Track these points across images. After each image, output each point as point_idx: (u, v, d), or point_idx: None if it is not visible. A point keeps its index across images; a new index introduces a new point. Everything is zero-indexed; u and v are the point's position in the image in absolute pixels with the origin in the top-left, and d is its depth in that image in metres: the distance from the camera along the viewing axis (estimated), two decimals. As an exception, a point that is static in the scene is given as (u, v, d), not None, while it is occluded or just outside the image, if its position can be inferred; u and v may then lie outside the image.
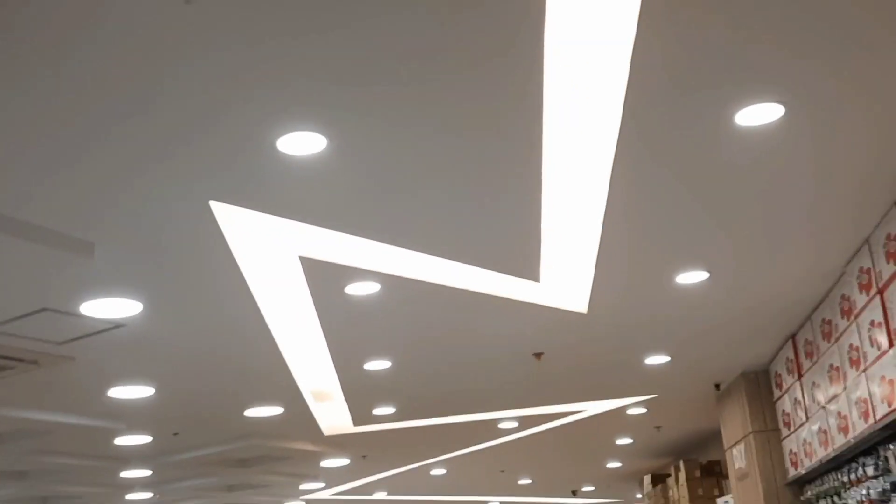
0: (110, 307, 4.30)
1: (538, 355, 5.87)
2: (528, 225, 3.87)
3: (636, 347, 6.01)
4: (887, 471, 4.92)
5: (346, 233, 3.77)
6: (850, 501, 5.52)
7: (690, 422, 8.97)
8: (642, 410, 8.19)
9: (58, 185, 3.18)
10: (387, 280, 4.35)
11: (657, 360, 6.35)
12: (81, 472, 8.25)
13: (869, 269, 4.50)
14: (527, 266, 4.35)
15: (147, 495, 10.16)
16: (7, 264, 3.74)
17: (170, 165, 3.14)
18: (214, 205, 3.43)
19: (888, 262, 4.24)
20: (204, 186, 3.30)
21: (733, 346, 6.27)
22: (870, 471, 5.15)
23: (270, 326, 4.80)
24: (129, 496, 10.09)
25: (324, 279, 4.27)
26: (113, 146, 2.98)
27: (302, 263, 4.08)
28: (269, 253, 3.98)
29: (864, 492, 5.22)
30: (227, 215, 3.53)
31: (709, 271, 4.64)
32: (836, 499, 5.89)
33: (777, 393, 6.70)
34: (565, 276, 4.66)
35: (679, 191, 3.72)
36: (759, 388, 6.91)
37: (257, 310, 4.53)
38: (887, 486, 4.93)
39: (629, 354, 6.16)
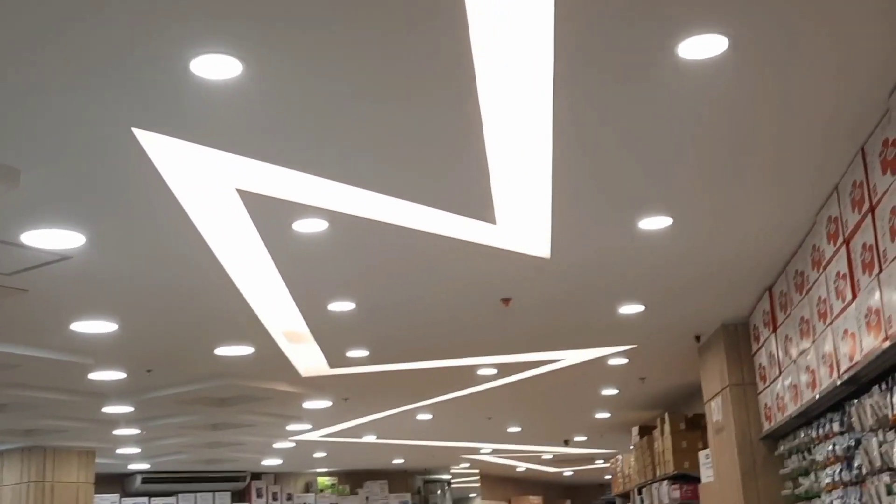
0: (52, 238, 4.21)
1: (506, 301, 5.75)
2: (472, 161, 3.72)
3: (607, 296, 5.88)
4: (851, 427, 4.81)
5: (276, 164, 3.64)
6: (818, 457, 5.42)
7: (674, 374, 8.87)
8: (623, 361, 8.10)
9: (-27, 106, 3.07)
10: (334, 218, 4.22)
11: (631, 309, 6.22)
12: (60, 405, 8.25)
13: (836, 219, 4.34)
14: (479, 206, 4.21)
15: (134, 431, 10.19)
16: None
17: (88, 90, 3.01)
18: (138, 132, 3.30)
19: (853, 211, 4.08)
20: (124, 112, 3.17)
21: (711, 297, 6.14)
22: (836, 427, 5.04)
23: (222, 262, 4.70)
24: (116, 431, 10.12)
25: (268, 215, 4.15)
26: (31, 70, 2.85)
27: (241, 197, 3.95)
28: (207, 186, 3.86)
29: (829, 448, 5.11)
30: (153, 143, 3.40)
31: (672, 217, 4.49)
32: (806, 454, 5.80)
33: (755, 346, 6.58)
34: (523, 220, 4.51)
35: (626, 131, 3.56)
36: (738, 340, 6.78)
37: (205, 245, 4.42)
38: (852, 442, 4.82)
39: (600, 303, 6.03)
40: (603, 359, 7.97)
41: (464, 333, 6.62)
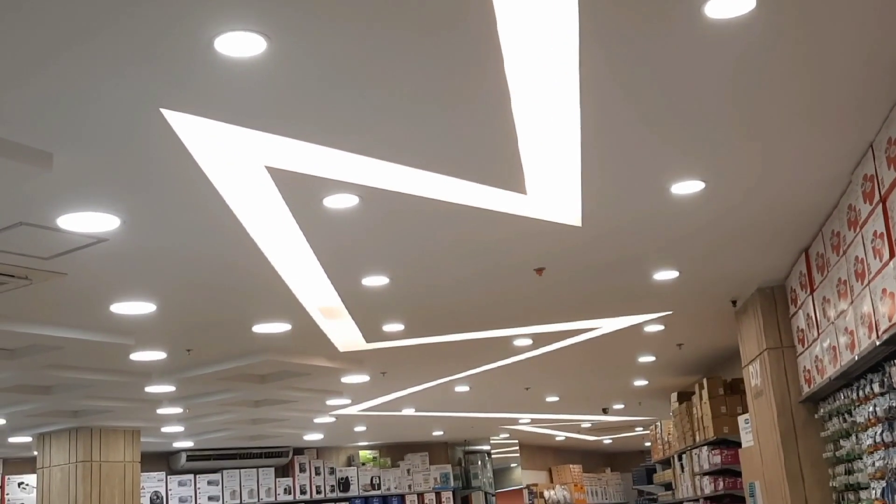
0: (87, 221, 4.26)
1: (539, 270, 5.75)
2: (500, 130, 3.71)
3: (640, 262, 5.86)
4: (892, 388, 4.76)
5: (304, 140, 3.66)
6: (858, 419, 5.38)
7: (712, 339, 8.83)
8: (660, 328, 8.07)
9: (10, 94, 3.10)
10: (365, 192, 4.23)
11: (665, 275, 6.19)
12: (104, 386, 8.38)
13: (872, 177, 4.28)
14: (509, 176, 4.20)
15: (177, 409, 10.34)
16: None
17: (117, 72, 3.03)
18: (166, 112, 3.33)
19: (889, 168, 4.02)
20: (152, 93, 3.19)
21: (746, 261, 6.09)
22: (876, 388, 4.99)
23: (256, 241, 4.74)
24: (160, 410, 10.28)
25: (298, 192, 4.17)
26: (61, 55, 2.88)
27: (271, 175, 3.97)
28: (237, 164, 3.88)
29: (870, 409, 5.07)
30: (182, 123, 3.43)
31: (704, 180, 4.45)
32: (847, 416, 5.76)
33: (792, 309, 6.52)
34: (553, 189, 4.50)
35: (655, 95, 3.53)
36: (775, 303, 6.73)
37: (238, 223, 4.46)
38: (893, 402, 4.78)
39: (634, 270, 6.01)
40: (639, 326, 7.95)
41: (498, 304, 6.63)
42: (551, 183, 4.43)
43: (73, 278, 5.11)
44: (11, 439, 11.48)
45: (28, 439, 11.37)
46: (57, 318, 6.02)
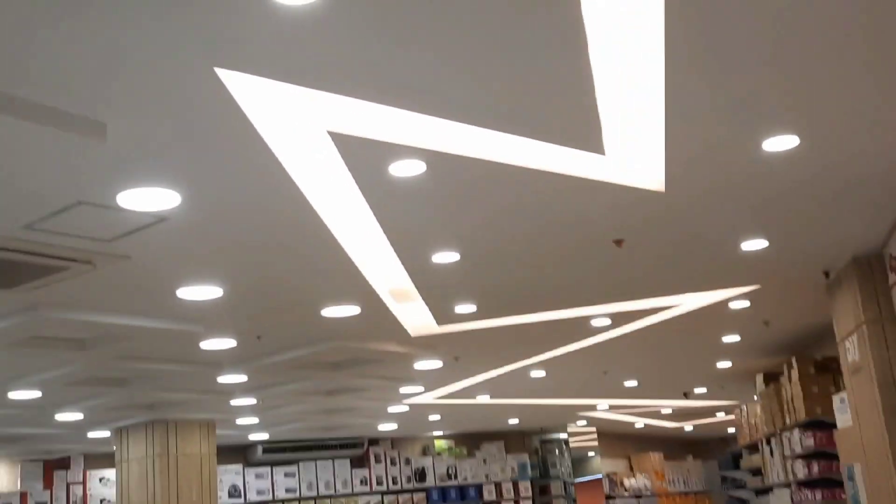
0: (147, 198, 4.09)
1: (618, 242, 5.44)
2: (576, 84, 3.43)
3: (728, 231, 5.51)
4: None
5: (367, 100, 3.42)
6: (971, 392, 4.97)
7: (801, 315, 8.40)
8: (746, 304, 7.68)
9: (58, 61, 2.93)
10: (432, 158, 3.99)
11: (754, 245, 5.82)
12: (176, 377, 8.32)
13: None
14: (585, 134, 3.91)
15: (250, 400, 10.27)
16: (30, 157, 3.54)
17: (167, 30, 2.83)
18: (221, 72, 3.12)
19: None
20: (205, 51, 2.99)
21: (841, 228, 5.70)
22: None
23: (320, 215, 4.53)
24: (233, 401, 10.22)
25: (362, 158, 3.94)
26: (108, 14, 2.69)
27: (334, 140, 3.75)
28: (298, 129, 3.67)
29: None
30: (238, 85, 3.22)
31: (798, 135, 4.10)
32: (957, 390, 5.34)
33: (892, 278, 6.10)
34: (634, 148, 4.20)
35: (745, 37, 3.20)
36: (873, 273, 6.31)
37: (301, 196, 4.25)
38: None
39: (720, 239, 5.66)
40: (723, 302, 7.57)
41: (574, 280, 6.34)
42: (631, 143, 4.13)
43: (136, 262, 4.97)
44: (91, 434, 11.57)
45: (107, 434, 11.44)
46: (123, 306, 5.90)
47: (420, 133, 3.78)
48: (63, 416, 10.01)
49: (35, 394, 8.49)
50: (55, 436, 11.36)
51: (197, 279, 5.45)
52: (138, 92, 3.20)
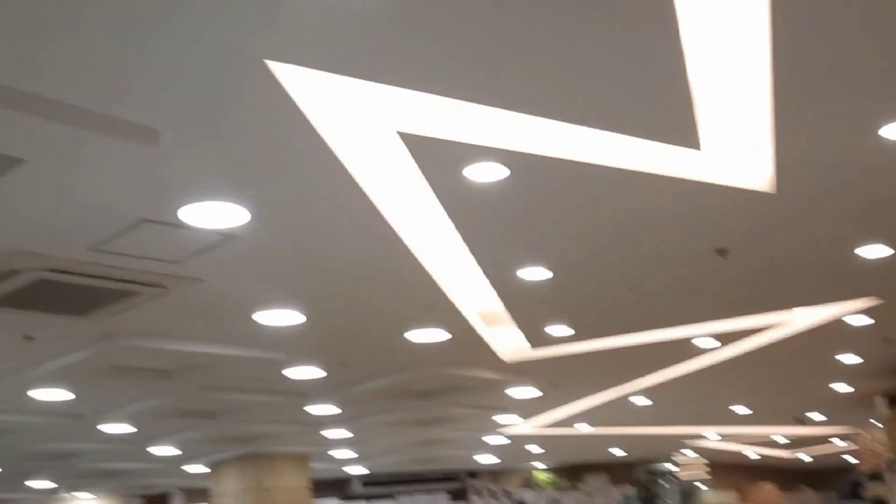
0: (211, 214, 3.87)
1: (723, 253, 5.00)
2: (668, 69, 3.06)
3: (843, 235, 5.00)
4: None
5: (440, 95, 3.11)
6: None
7: (928, 331, 7.72)
8: (866, 320, 7.07)
9: (110, 66, 2.72)
10: (515, 160, 3.66)
11: (875, 252, 5.29)
12: (263, 408, 8.14)
13: None
14: (682, 128, 3.52)
15: (343, 432, 10.05)
16: (89, 171, 3.34)
17: (217, 29, 2.59)
18: (277, 69, 2.86)
19: None
20: (259, 48, 2.73)
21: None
22: None
23: (397, 229, 4.24)
24: (325, 433, 10.02)
25: (436, 162, 3.63)
26: (150, 13, 2.47)
27: (405, 142, 3.46)
28: (365, 131, 3.39)
29: None
30: (297, 84, 2.96)
31: (926, 119, 3.63)
32: None
33: None
34: (736, 144, 3.79)
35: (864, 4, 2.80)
36: None
37: (373, 208, 3.97)
38: None
39: (835, 245, 5.15)
40: (839, 319, 6.99)
41: (676, 296, 5.89)
42: (732, 138, 3.72)
43: (210, 285, 4.77)
44: (188, 468, 11.53)
45: (204, 468, 11.37)
46: (201, 333, 5.71)
47: (501, 133, 3.46)
48: (158, 451, 9.97)
49: (128, 428, 8.43)
50: (152, 470, 11.36)
51: (274, 303, 5.22)
52: (191, 97, 2.97)
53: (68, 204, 3.63)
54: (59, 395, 6.80)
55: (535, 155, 3.64)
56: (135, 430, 8.50)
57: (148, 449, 9.81)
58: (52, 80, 2.81)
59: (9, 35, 2.53)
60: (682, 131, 3.56)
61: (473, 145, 3.53)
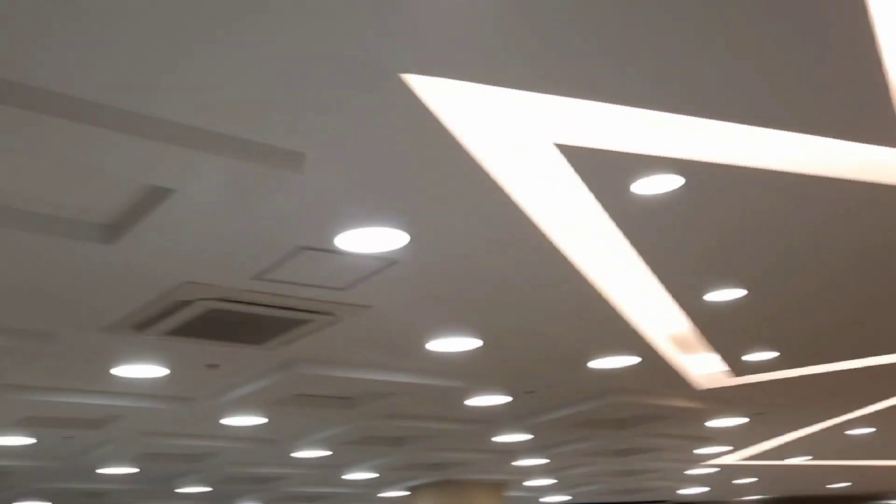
0: (369, 239, 3.72)
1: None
2: (859, 52, 2.61)
3: None
4: None
5: (599, 100, 2.79)
6: None
7: None
8: None
9: (254, 91, 2.61)
10: (692, 169, 3.28)
11: None
12: (451, 436, 7.98)
13: None
14: (878, 121, 3.03)
15: (537, 461, 9.77)
16: (243, 201, 3.26)
17: (356, 43, 2.42)
18: (409, 78, 2.65)
19: None
20: (401, 60, 2.52)
21: None
22: None
23: (564, 250, 3.94)
24: (519, 462, 9.77)
25: (602, 175, 3.31)
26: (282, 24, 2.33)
27: (565, 156, 3.16)
28: (519, 146, 3.12)
29: None
30: (431, 91, 2.74)
31: None
32: None
33: None
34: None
35: None
36: None
37: (535, 228, 3.69)
38: None
39: None
40: None
41: (892, 315, 5.24)
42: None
43: (379, 312, 4.64)
44: (385, 494, 11.59)
45: (403, 493, 11.39)
46: (376, 360, 5.60)
47: (673, 140, 3.10)
48: (352, 476, 10.03)
49: (321, 453, 8.50)
50: (351, 495, 11.48)
51: (446, 328, 5.02)
52: (330, 118, 2.81)
53: (225, 233, 3.56)
54: (250, 421, 6.91)
55: (713, 163, 3.25)
56: (327, 454, 8.56)
57: (344, 475, 9.90)
58: (190, 108, 2.72)
59: (143, 62, 2.45)
60: (882, 128, 3.07)
61: (643, 155, 3.19)
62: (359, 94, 2.69)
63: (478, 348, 5.36)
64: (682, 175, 3.33)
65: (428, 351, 5.36)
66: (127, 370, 5.37)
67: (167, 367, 5.38)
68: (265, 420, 6.89)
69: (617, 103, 2.86)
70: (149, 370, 5.40)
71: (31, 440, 6.97)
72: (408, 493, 11.20)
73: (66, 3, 2.18)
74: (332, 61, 2.52)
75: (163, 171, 2.98)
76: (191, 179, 3.05)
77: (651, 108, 2.89)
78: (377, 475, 10.05)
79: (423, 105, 2.77)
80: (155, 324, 4.49)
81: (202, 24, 2.32)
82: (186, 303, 4.26)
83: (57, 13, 2.22)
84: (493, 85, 2.72)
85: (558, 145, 3.12)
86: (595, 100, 2.82)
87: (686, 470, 11.05)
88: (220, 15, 2.28)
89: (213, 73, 2.54)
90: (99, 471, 8.73)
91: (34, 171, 3.12)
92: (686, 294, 4.66)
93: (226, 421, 6.86)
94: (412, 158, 3.10)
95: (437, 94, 2.75)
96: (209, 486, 10.25)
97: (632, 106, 2.87)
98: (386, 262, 3.98)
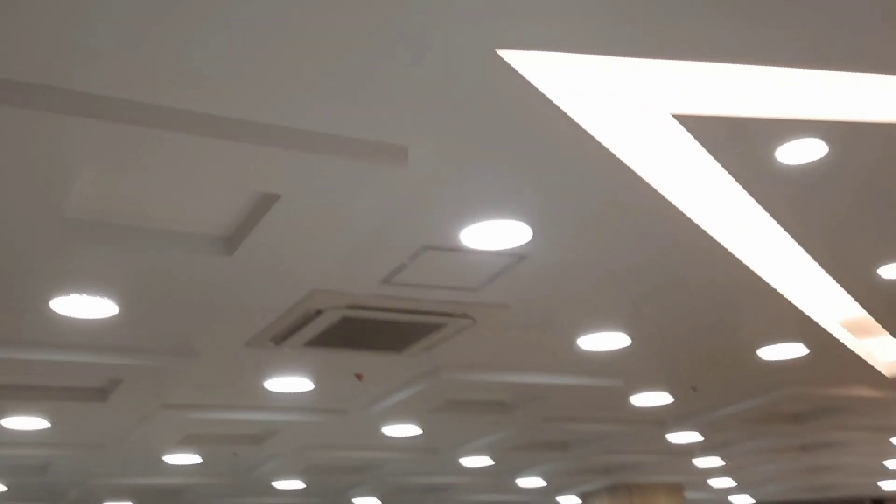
0: (493, 234, 3.54)
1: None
2: None
3: None
4: None
5: (720, 60, 2.51)
6: None
7: None
8: None
9: (357, 89, 2.51)
10: (835, 132, 2.94)
11: None
12: (618, 437, 7.67)
13: None
14: None
15: (714, 460, 9.30)
16: (364, 203, 3.16)
17: (451, 21, 2.27)
18: (506, 54, 2.46)
19: None
20: (488, 28, 2.35)
21: None
22: None
23: (708, 230, 3.63)
24: (696, 462, 9.32)
25: (733, 144, 3.01)
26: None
27: (684, 126, 2.89)
28: (634, 119, 2.87)
29: None
30: (532, 65, 2.54)
31: None
32: None
33: None
34: None
35: None
36: None
37: (673, 208, 3.40)
38: None
39: None
40: None
41: None
42: None
43: (517, 311, 4.45)
44: (560, 499, 11.35)
45: (574, 499, 11.12)
46: (525, 362, 5.39)
47: (815, 100, 2.78)
48: (523, 482, 9.85)
49: (486, 460, 8.37)
50: (524, 502, 11.30)
51: (592, 324, 4.77)
52: (430, 107, 2.66)
53: (341, 237, 3.47)
54: (407, 430, 6.85)
55: (860, 122, 2.89)
56: (491, 462, 8.41)
57: (514, 481, 9.72)
58: (291, 110, 2.64)
59: (243, 69, 2.38)
60: None
61: (779, 120, 2.88)
62: (456, 80, 2.53)
63: (628, 345, 5.08)
64: (825, 140, 2.99)
65: (574, 350, 5.12)
66: (277, 384, 5.40)
67: (313, 379, 5.38)
68: (421, 429, 6.82)
69: (739, 63, 2.57)
70: (297, 383, 5.41)
71: (198, 458, 7.16)
72: (580, 500, 10.91)
73: (179, 26, 2.14)
74: (425, 48, 2.36)
75: (264, 175, 2.91)
76: (293, 182, 2.97)
77: (788, 67, 2.59)
78: (546, 482, 9.82)
79: (524, 82, 2.57)
80: (292, 335, 4.46)
81: (293, 27, 2.22)
82: (319, 312, 4.21)
83: (171, 36, 2.19)
84: (598, 54, 2.50)
85: (677, 116, 2.85)
86: (713, 61, 2.55)
87: (887, 462, 10.25)
88: (312, 13, 2.17)
89: (304, 71, 2.44)
90: (273, 484, 8.91)
91: (151, 188, 3.13)
92: (852, 272, 4.23)
93: (384, 431, 6.82)
94: (519, 142, 2.90)
95: (536, 68, 2.55)
96: (379, 498, 10.30)
97: (755, 65, 2.58)
98: (514, 259, 3.79)
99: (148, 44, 2.28)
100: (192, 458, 7.14)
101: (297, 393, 5.63)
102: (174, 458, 7.08)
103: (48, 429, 5.91)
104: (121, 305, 3.94)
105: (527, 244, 3.65)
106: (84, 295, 3.82)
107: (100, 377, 5.04)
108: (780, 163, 3.11)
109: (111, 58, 2.32)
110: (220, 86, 2.48)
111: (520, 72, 2.53)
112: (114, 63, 2.34)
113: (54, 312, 3.97)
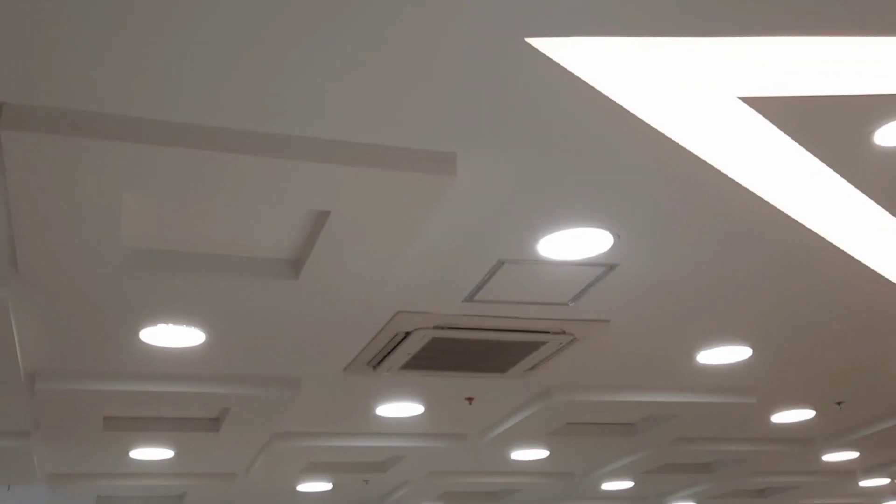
0: (573, 243, 3.31)
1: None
2: None
3: None
4: None
5: (792, 33, 2.23)
6: None
7: None
8: None
9: (405, 95, 2.38)
10: (940, 103, 2.57)
11: None
12: (766, 458, 7.16)
13: None
14: None
15: (882, 481, 8.59)
16: (404, 217, 3.01)
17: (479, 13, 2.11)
18: (537, 42, 2.26)
19: None
20: (518, 17, 2.16)
21: None
22: None
23: (812, 226, 3.28)
24: (862, 483, 8.65)
25: (821, 128, 2.68)
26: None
27: (757, 111, 2.58)
28: (698, 105, 2.59)
29: None
30: (566, 53, 2.32)
31: None
32: None
33: None
34: None
35: None
36: None
37: (767, 205, 3.09)
38: None
39: None
40: None
41: None
42: None
43: (620, 325, 4.18)
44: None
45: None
46: (639, 380, 5.06)
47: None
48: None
49: (626, 483, 8.03)
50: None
51: (710, 338, 4.43)
52: (468, 107, 2.47)
53: (410, 254, 3.32)
54: (535, 454, 6.61)
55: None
56: (632, 485, 8.05)
57: (661, 505, 9.30)
58: (333, 121, 2.51)
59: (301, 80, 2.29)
60: None
61: (876, 96, 2.54)
62: (492, 75, 2.34)
63: (750, 356, 4.70)
64: (933, 113, 2.62)
65: (693, 365, 4.78)
66: (388, 409, 5.29)
67: (423, 404, 5.24)
68: (548, 452, 6.56)
69: (809, 33, 2.27)
70: (407, 408, 5.29)
71: (328, 485, 7.13)
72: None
73: (234, 52, 2.06)
74: (471, 50, 2.19)
75: (310, 191, 2.79)
76: (342, 197, 2.84)
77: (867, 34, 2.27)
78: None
79: (562, 70, 2.36)
80: (386, 358, 4.34)
81: (330, 34, 2.10)
82: (407, 334, 4.08)
83: (223, 59, 2.11)
84: (645, 36, 2.26)
85: (743, 99, 2.55)
86: (799, 35, 2.25)
87: None
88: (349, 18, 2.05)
89: (345, 80, 2.32)
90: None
91: (209, 215, 3.08)
92: None
93: (512, 456, 6.61)
94: (573, 137, 2.67)
95: (572, 56, 2.32)
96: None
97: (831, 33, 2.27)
98: (602, 269, 3.54)
99: (218, 73, 2.20)
100: (322, 486, 7.11)
101: (409, 418, 5.50)
102: (306, 486, 7.08)
103: (173, 459, 6.01)
104: (207, 333, 3.92)
105: (610, 251, 3.39)
106: (170, 325, 3.82)
107: (210, 407, 5.06)
108: (878, 145, 2.75)
109: (188, 88, 2.26)
110: (268, 104, 2.38)
111: (552, 58, 2.31)
112: (189, 92, 2.28)
113: (145, 343, 4.00)
